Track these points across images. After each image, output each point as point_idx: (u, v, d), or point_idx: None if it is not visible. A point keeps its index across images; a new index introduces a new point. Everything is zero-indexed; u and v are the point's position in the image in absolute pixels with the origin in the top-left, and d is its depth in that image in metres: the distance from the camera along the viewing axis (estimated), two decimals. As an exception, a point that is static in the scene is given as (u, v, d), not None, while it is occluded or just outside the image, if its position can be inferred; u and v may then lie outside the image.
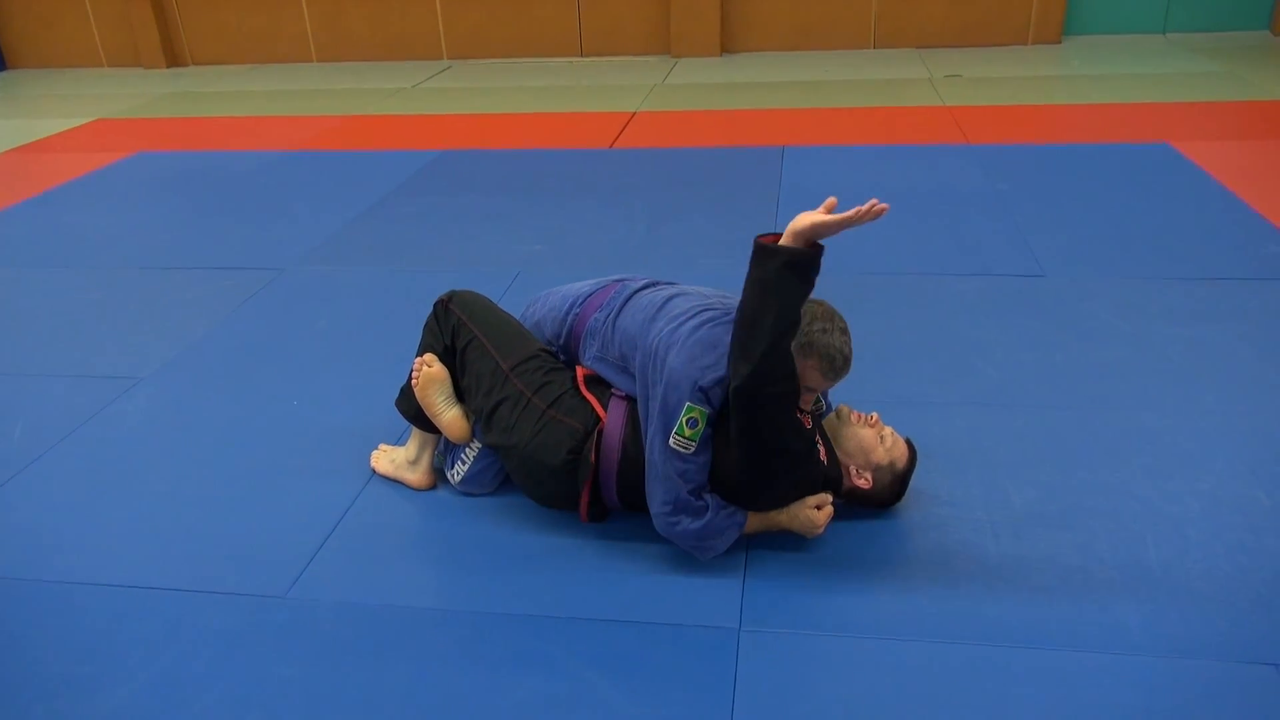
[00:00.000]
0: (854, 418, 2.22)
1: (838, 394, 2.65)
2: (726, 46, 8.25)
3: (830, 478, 2.17)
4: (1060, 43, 7.89)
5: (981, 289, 3.49)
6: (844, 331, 2.06)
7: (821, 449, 2.14)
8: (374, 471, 2.55)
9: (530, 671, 1.90)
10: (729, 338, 2.05)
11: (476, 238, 4.23)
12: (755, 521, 2.17)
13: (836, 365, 2.03)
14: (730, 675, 1.88)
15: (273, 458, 2.65)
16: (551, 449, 2.18)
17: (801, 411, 2.09)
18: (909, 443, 2.23)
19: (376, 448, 2.60)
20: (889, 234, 4.01)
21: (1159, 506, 2.30)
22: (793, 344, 2.00)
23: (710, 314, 2.14)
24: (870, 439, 2.18)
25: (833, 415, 2.26)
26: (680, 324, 2.13)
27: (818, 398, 2.32)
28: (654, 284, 2.37)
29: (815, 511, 2.15)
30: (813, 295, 2.03)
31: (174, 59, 8.81)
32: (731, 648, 1.94)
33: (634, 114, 6.29)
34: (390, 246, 4.18)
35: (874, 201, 1.91)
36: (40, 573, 2.23)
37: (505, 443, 2.24)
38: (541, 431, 2.19)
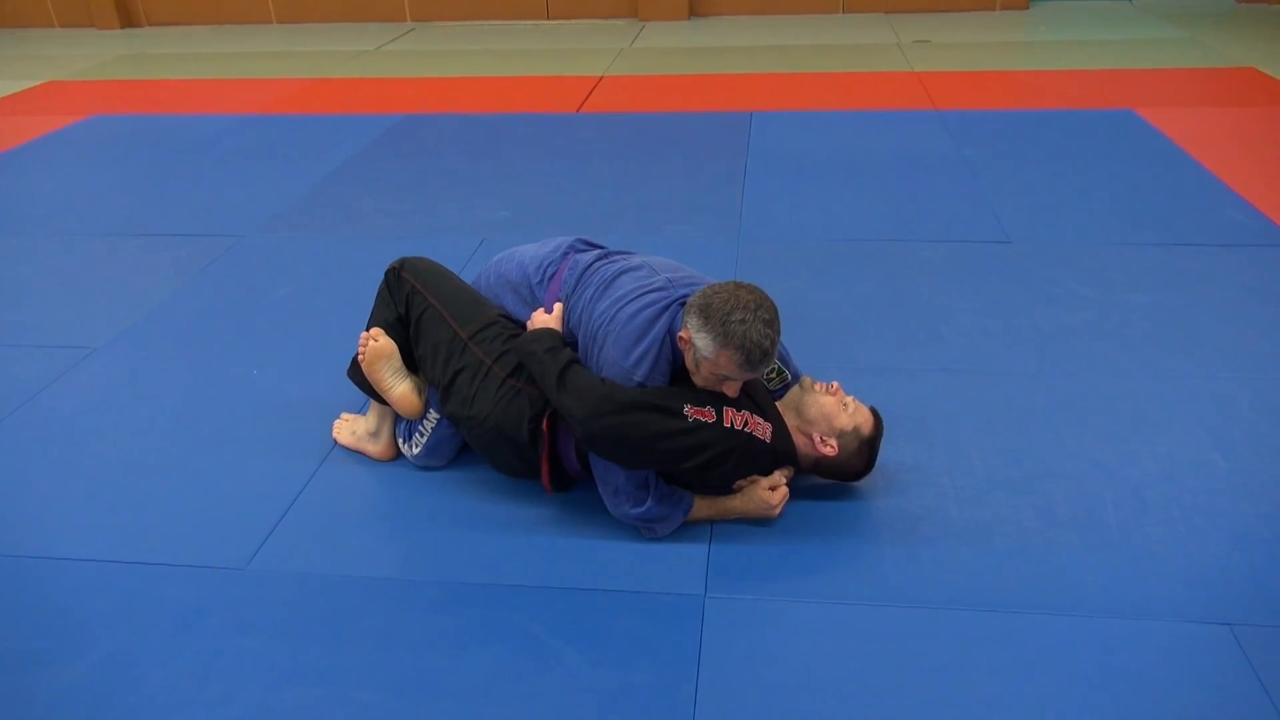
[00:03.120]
0: (816, 387, 2.21)
1: (803, 363, 2.66)
2: (695, 10, 8.15)
3: (782, 453, 2.15)
4: (1028, 8, 7.88)
5: (948, 255, 3.50)
6: (767, 323, 1.97)
7: (761, 427, 2.12)
8: (335, 442, 2.52)
9: (494, 641, 1.89)
10: (664, 319, 2.04)
11: (440, 204, 4.16)
12: (706, 509, 2.16)
13: (754, 358, 1.97)
14: (695, 641, 1.88)
15: (232, 429, 2.61)
16: (514, 419, 2.15)
17: (730, 402, 2.08)
18: (874, 411, 2.22)
19: (338, 417, 2.57)
20: (856, 200, 4.01)
21: (1118, 470, 2.32)
22: (710, 332, 1.96)
23: (650, 296, 2.12)
24: (832, 405, 2.17)
25: (795, 387, 2.25)
26: (621, 307, 2.11)
27: (781, 370, 2.31)
28: (607, 255, 2.33)
29: (769, 492, 2.15)
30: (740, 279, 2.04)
31: (128, 19, 8.56)
32: (697, 614, 1.95)
33: (601, 78, 6.21)
34: (352, 213, 4.10)
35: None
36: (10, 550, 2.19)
37: (465, 414, 2.21)
38: (502, 401, 2.16)
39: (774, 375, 2.31)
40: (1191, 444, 2.41)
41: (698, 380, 2.09)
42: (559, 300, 2.28)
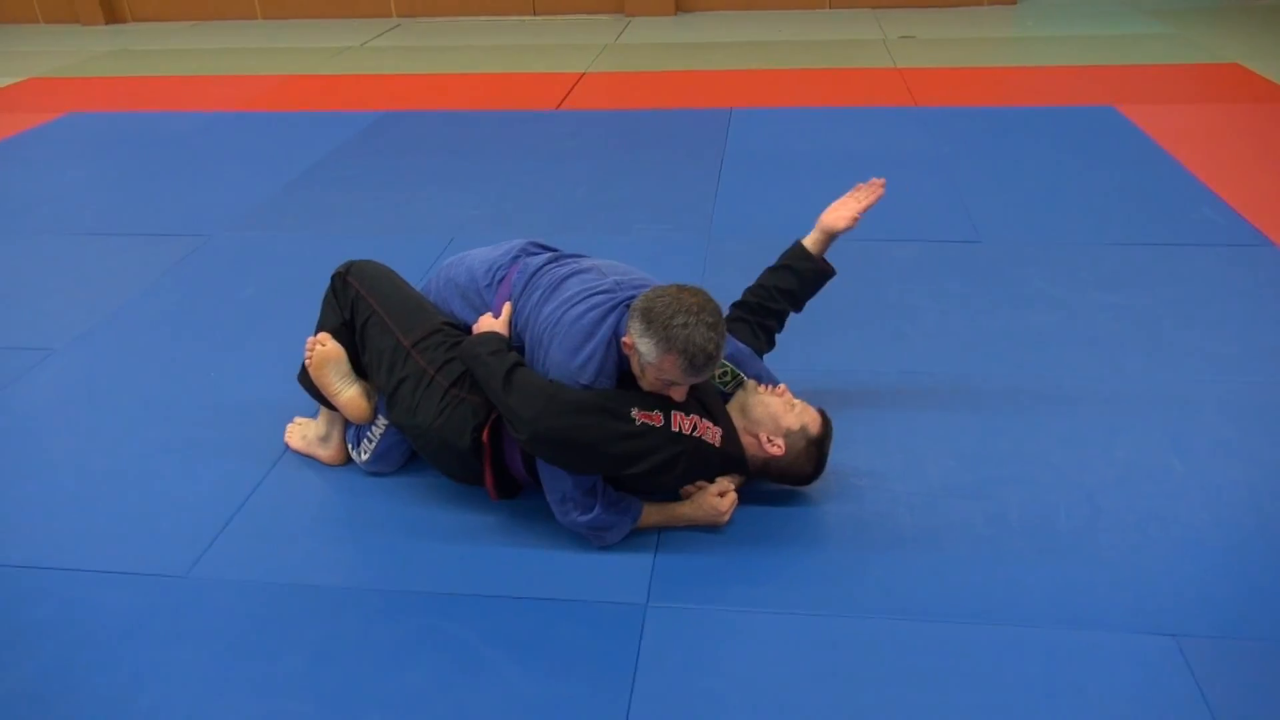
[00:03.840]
0: (761, 389, 2.19)
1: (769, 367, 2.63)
2: (681, 5, 8.11)
3: (730, 458, 2.13)
4: (1015, 4, 7.83)
5: (916, 255, 3.47)
6: (710, 326, 1.94)
7: (711, 431, 2.09)
8: (287, 446, 2.50)
9: (430, 651, 1.87)
10: (609, 321, 2.02)
11: (414, 202, 4.14)
12: (655, 515, 2.15)
13: (697, 362, 1.94)
14: (634, 651, 1.86)
15: (184, 432, 2.59)
16: (456, 429, 2.12)
17: (678, 406, 2.05)
18: (821, 412, 2.20)
19: (292, 421, 2.54)
20: (828, 198, 3.94)
21: (1073, 475, 2.30)
22: (653, 336, 1.93)
23: (597, 298, 2.09)
24: (778, 405, 2.14)
25: (740, 391, 2.22)
26: (567, 309, 2.08)
27: (735, 373, 2.28)
28: (558, 258, 2.30)
29: (717, 499, 2.13)
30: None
31: (113, 15, 8.52)
32: (637, 623, 1.92)
33: (583, 74, 6.17)
34: (324, 211, 4.08)
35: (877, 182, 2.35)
36: (-67, 554, 2.17)
37: (409, 422, 2.18)
38: (445, 411, 2.13)
39: (728, 378, 2.28)
40: (1150, 448, 2.39)
41: (644, 385, 2.06)
42: (508, 303, 2.25)
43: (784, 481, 2.21)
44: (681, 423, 2.04)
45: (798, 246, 2.46)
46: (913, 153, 4.48)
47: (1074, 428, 2.47)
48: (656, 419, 2.01)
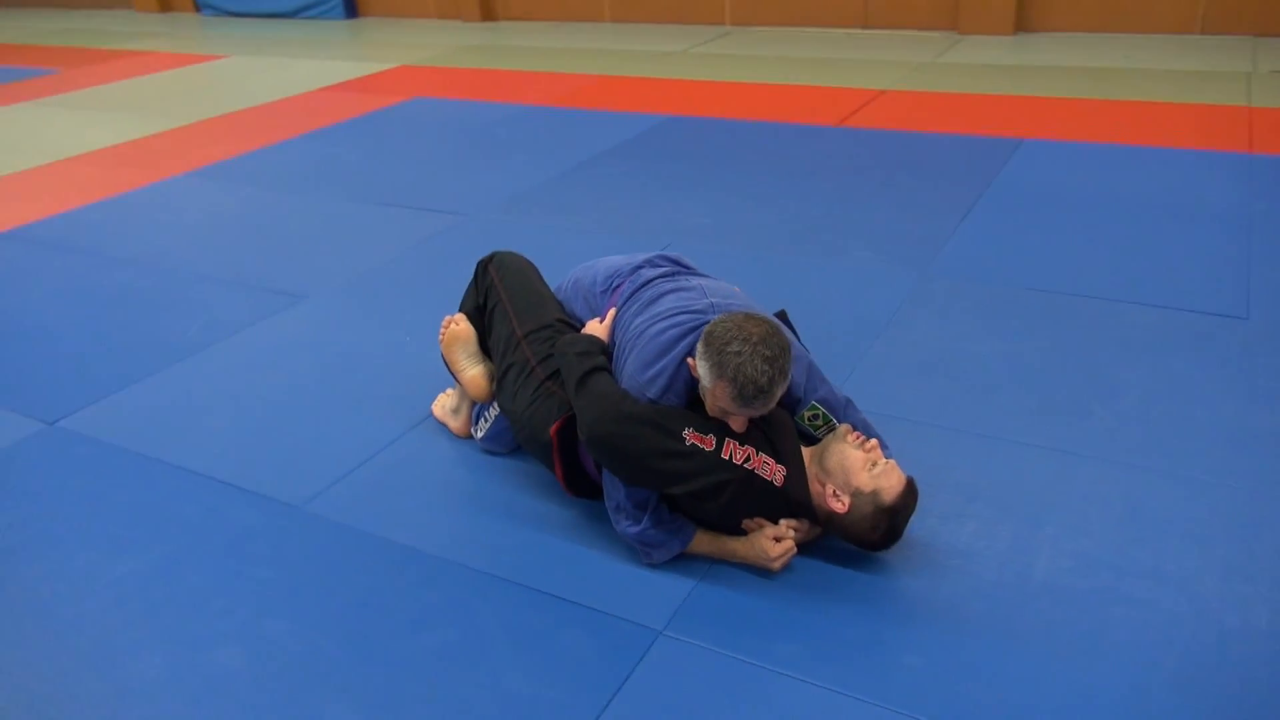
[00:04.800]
0: (850, 438, 2.04)
1: (910, 415, 2.47)
2: (1023, 24, 7.53)
3: (792, 500, 2.01)
4: None
5: (1157, 323, 3.00)
6: (768, 360, 1.86)
7: (770, 468, 1.98)
8: (431, 412, 2.73)
9: (450, 625, 1.98)
10: (686, 341, 1.99)
11: (650, 205, 4.28)
12: (707, 544, 2.09)
13: (748, 394, 1.87)
14: (625, 674, 1.84)
15: (363, 383, 2.92)
16: (542, 420, 2.21)
17: (734, 435, 1.98)
18: (909, 481, 2.01)
19: (443, 391, 2.78)
20: (1084, 248, 3.57)
21: (1209, 610, 1.90)
22: (708, 360, 1.90)
23: (682, 317, 2.06)
24: (856, 459, 1.99)
25: (829, 435, 2.09)
26: (652, 324, 2.08)
27: (827, 417, 2.14)
28: (674, 274, 2.30)
29: (771, 543, 2.02)
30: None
31: (489, 13, 9.58)
32: (643, 647, 1.90)
33: (880, 92, 5.97)
34: (568, 206, 4.34)
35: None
36: (141, 446, 2.64)
37: (509, 408, 2.31)
38: (535, 402, 2.23)
39: (819, 421, 2.15)
40: (1344, 601, 1.91)
41: (708, 408, 2.02)
42: (613, 309, 2.30)
43: (851, 541, 2.06)
44: (734, 451, 1.97)
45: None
46: (1215, 206, 3.85)
47: (1243, 556, 2.04)
48: (709, 443, 1.97)
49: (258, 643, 1.96)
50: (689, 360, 1.99)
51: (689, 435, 1.97)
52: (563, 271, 2.60)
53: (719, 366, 1.89)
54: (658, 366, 2.05)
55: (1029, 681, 1.77)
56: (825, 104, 5.78)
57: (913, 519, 2.03)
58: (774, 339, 1.90)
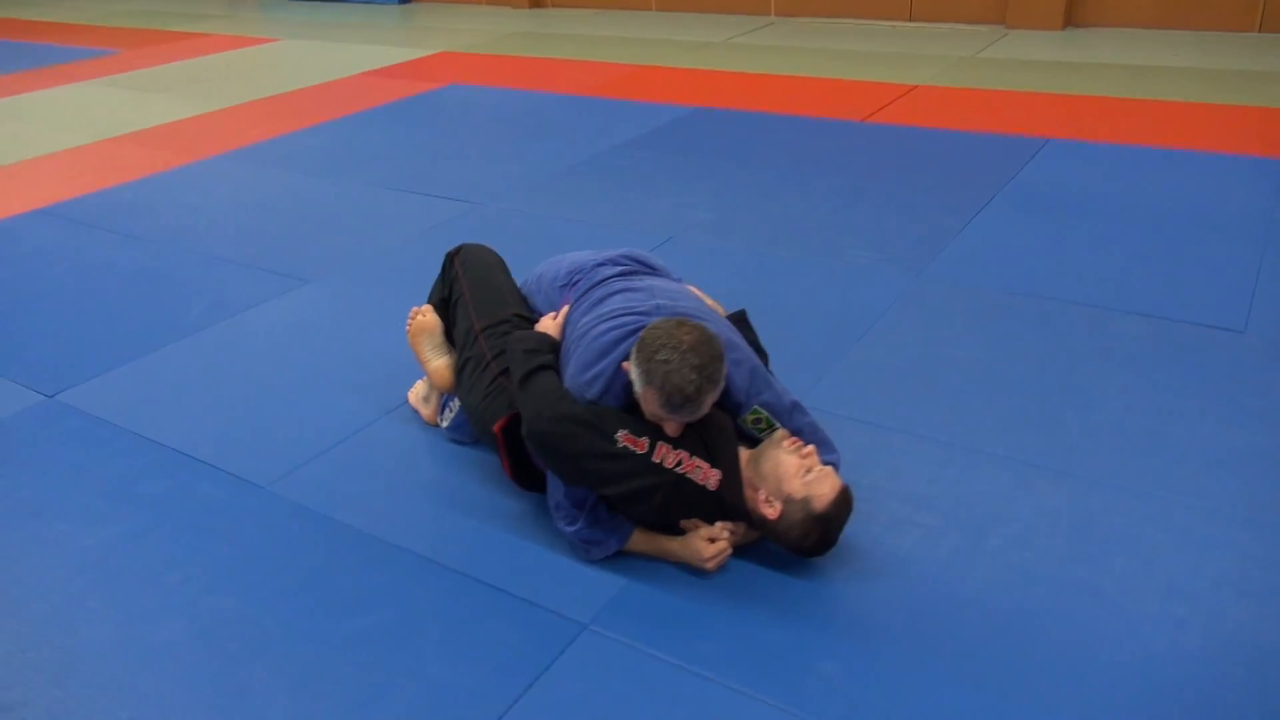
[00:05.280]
0: (786, 443, 2.04)
1: (877, 420, 2.46)
2: (1073, 18, 7.32)
3: (726, 504, 2.02)
4: None
5: (1146, 334, 2.93)
6: (696, 368, 1.87)
7: (703, 472, 1.99)
8: (408, 399, 2.80)
9: (383, 603, 2.04)
10: (626, 344, 2.01)
11: (658, 197, 4.29)
12: (644, 543, 2.11)
13: (675, 402, 1.88)
14: (545, 665, 1.88)
15: (346, 368, 2.99)
16: (493, 415, 2.24)
17: (667, 439, 1.99)
18: (844, 490, 2.00)
19: (421, 379, 2.84)
20: (1088, 254, 3.49)
21: (1140, 632, 1.87)
22: (638, 366, 1.92)
23: (625, 319, 2.08)
24: (790, 466, 1.99)
25: (766, 440, 2.09)
26: (597, 323, 2.11)
27: (770, 421, 2.14)
28: (629, 273, 2.32)
29: (706, 544, 2.03)
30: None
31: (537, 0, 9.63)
32: (566, 640, 1.93)
33: (914, 87, 5.87)
34: (579, 195, 4.37)
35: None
36: (129, 422, 2.76)
37: (465, 400, 2.35)
38: (489, 396, 2.27)
39: (763, 425, 2.16)
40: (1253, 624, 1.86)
41: (643, 411, 2.04)
42: (566, 306, 2.32)
43: (784, 547, 2.06)
44: (666, 455, 1.99)
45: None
46: (1230, 213, 3.73)
47: (1166, 576, 1.99)
48: (641, 446, 1.98)
49: (201, 617, 2.04)
50: (623, 364, 2.01)
51: (623, 437, 1.99)
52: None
53: (647, 374, 1.91)
54: (597, 369, 2.07)
55: (940, 696, 1.76)
56: (854, 98, 5.71)
57: (857, 526, 2.04)
58: (704, 347, 1.90)
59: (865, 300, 3.23)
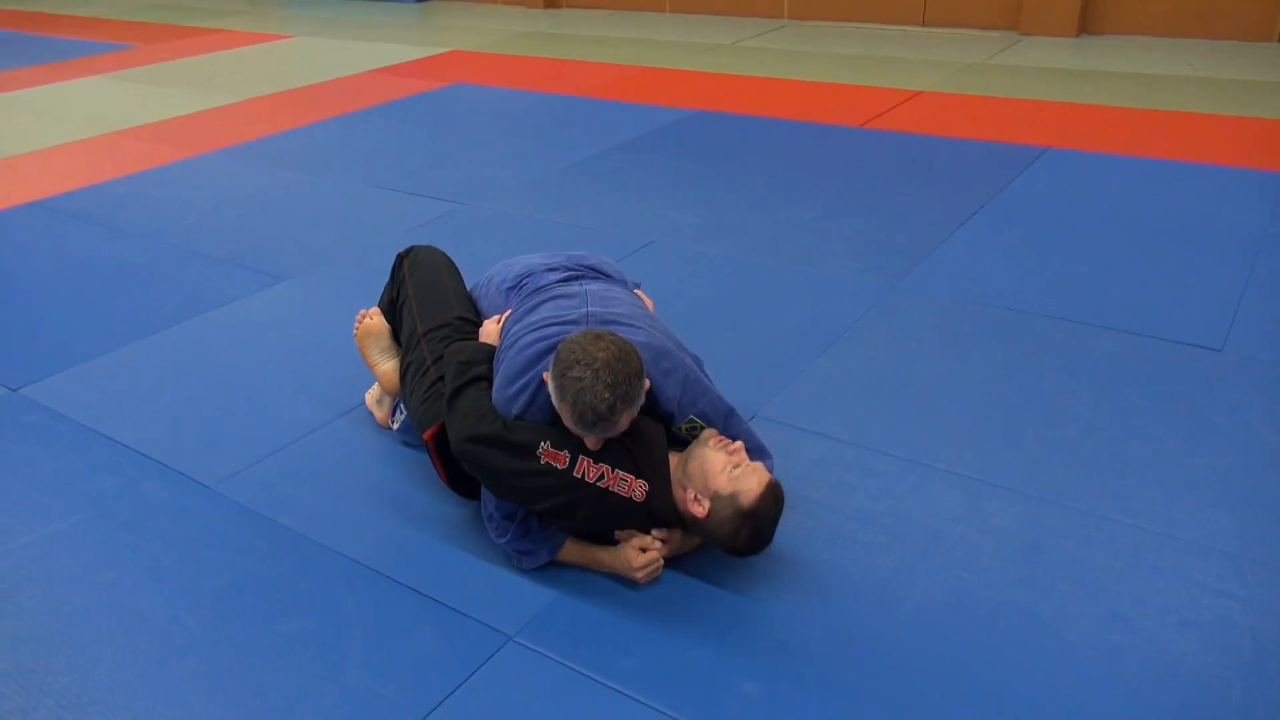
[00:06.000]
0: (712, 441, 2.00)
1: (835, 434, 2.40)
2: (1088, 26, 7.21)
3: (657, 513, 1.98)
4: None
5: (1120, 350, 2.86)
6: (609, 386, 1.83)
7: (629, 484, 1.95)
8: (364, 400, 2.78)
9: (310, 607, 2.03)
10: (548, 359, 1.97)
11: (644, 201, 4.25)
12: (576, 554, 2.08)
13: (587, 420, 1.85)
14: (463, 677, 1.85)
15: (310, 368, 2.98)
16: (429, 421, 2.22)
17: (589, 452, 1.95)
18: (773, 485, 1.95)
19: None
20: (1073, 267, 3.42)
21: (1074, 657, 1.81)
22: (553, 381, 1.89)
23: (551, 330, 2.05)
24: (716, 462, 1.94)
25: (694, 440, 2.05)
26: (525, 333, 2.08)
27: (702, 428, 2.10)
28: (571, 278, 2.28)
29: (636, 553, 2.00)
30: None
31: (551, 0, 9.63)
32: (488, 651, 1.90)
33: (916, 94, 5.80)
34: (566, 198, 4.35)
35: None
36: (85, 418, 2.76)
37: (407, 404, 2.33)
38: (427, 401, 2.24)
39: (697, 433, 2.11)
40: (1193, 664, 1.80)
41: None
42: (508, 311, 2.30)
43: (719, 548, 2.01)
44: (588, 470, 1.95)
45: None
46: (1221, 227, 3.65)
47: (1104, 602, 1.93)
48: (561, 460, 1.95)
49: (130, 616, 2.03)
50: (544, 376, 1.98)
51: (544, 452, 1.95)
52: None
53: (561, 390, 1.88)
54: (520, 382, 2.03)
55: (875, 708, 1.72)
56: (855, 104, 5.65)
57: (797, 542, 1.99)
58: (620, 364, 1.86)
59: (837, 310, 3.18)
